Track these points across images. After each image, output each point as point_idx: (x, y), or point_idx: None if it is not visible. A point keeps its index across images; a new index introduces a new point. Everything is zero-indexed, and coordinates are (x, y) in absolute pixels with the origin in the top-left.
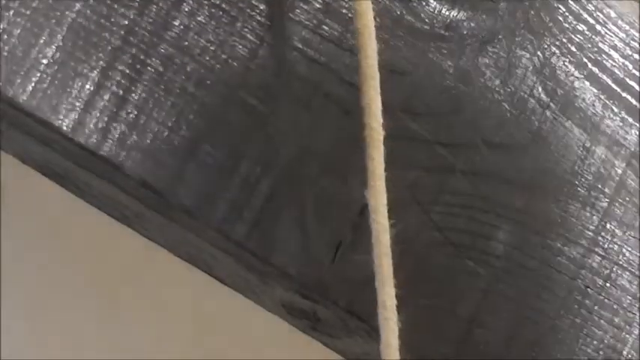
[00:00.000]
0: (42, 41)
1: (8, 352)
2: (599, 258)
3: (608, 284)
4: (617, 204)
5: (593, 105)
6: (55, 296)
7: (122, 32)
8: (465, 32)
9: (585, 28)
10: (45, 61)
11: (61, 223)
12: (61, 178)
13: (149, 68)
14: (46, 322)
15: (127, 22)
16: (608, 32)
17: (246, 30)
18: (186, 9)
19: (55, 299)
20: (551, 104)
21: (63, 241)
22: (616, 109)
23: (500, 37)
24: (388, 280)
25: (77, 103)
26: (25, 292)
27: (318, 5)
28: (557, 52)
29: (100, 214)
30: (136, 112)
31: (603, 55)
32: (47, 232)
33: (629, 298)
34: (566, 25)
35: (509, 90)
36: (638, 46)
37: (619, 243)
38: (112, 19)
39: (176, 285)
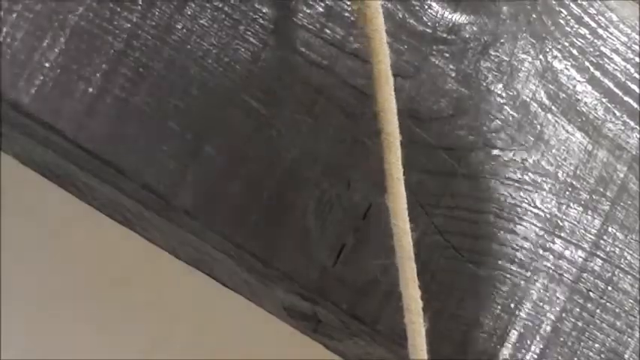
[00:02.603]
0: (45, 44)
1: (8, 352)
2: (601, 261)
3: (610, 288)
4: (618, 207)
5: (595, 109)
6: (55, 297)
7: (125, 36)
8: (467, 36)
9: (587, 31)
10: (48, 65)
11: (61, 225)
12: (62, 179)
13: (152, 72)
14: (46, 323)
15: (129, 26)
16: (609, 36)
17: (249, 33)
18: (189, 12)
19: (55, 300)
20: (553, 108)
21: (63, 242)
22: (618, 113)
23: (502, 40)
24: (412, 283)
25: (79, 107)
26: (25, 292)
27: (320, 9)
28: (559, 55)
29: (100, 215)
30: (138, 116)
31: (605, 59)
32: (47, 234)
33: (631, 301)
34: (568, 29)
35: (511, 94)
36: (639, 49)
37: (621, 246)
38: (115, 23)
39: (177, 287)
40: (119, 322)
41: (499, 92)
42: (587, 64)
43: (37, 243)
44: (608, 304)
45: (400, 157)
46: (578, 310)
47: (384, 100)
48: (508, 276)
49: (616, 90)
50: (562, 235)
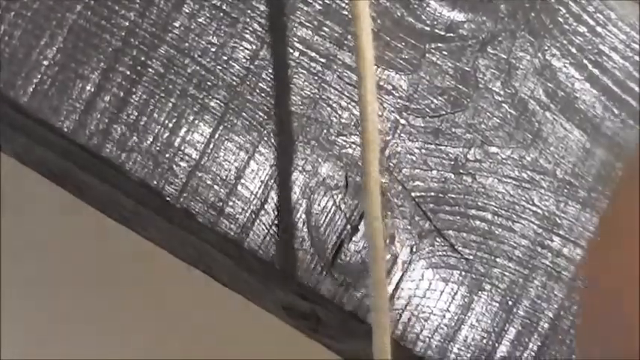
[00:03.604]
0: (43, 43)
1: (8, 352)
2: None
3: None
4: None
5: (594, 107)
6: (55, 297)
7: (123, 34)
8: (465, 33)
9: (586, 29)
10: (46, 63)
11: (61, 225)
12: (61, 179)
13: (150, 70)
14: (46, 323)
15: (127, 24)
16: (608, 34)
17: (247, 31)
18: (187, 10)
19: (55, 300)
20: (552, 106)
21: (63, 242)
22: (616, 111)
23: (500, 38)
24: (382, 283)
25: (78, 105)
26: (25, 292)
27: (318, 7)
28: (557, 53)
29: (100, 215)
30: (136, 114)
31: (604, 57)
32: (47, 234)
33: None
34: (567, 27)
35: (509, 91)
36: (638, 47)
37: None
38: (113, 21)
39: (176, 286)
40: (119, 321)
41: (497, 90)
42: (585, 62)
43: (37, 243)
44: None
45: (378, 156)
46: (576, 307)
47: (365, 98)
48: (506, 274)
49: (614, 88)
50: (560, 232)
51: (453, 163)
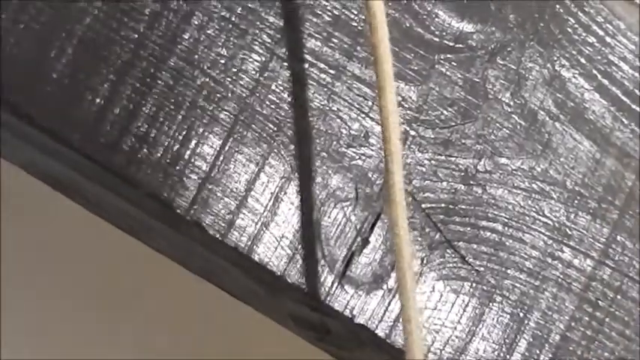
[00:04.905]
0: (52, 55)
1: (8, 352)
2: (610, 270)
3: (618, 296)
4: (627, 216)
5: (603, 117)
6: (55, 296)
7: (132, 46)
8: (474, 44)
9: (595, 39)
10: (55, 75)
11: (61, 224)
12: (68, 189)
13: (159, 82)
14: (46, 323)
15: (136, 36)
16: (617, 44)
17: (256, 43)
18: (196, 22)
19: (55, 299)
20: (561, 116)
21: (63, 242)
22: (626, 121)
23: (509, 49)
24: (411, 293)
25: (87, 117)
26: (25, 292)
27: (327, 18)
28: (566, 64)
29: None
30: (146, 126)
31: (613, 67)
32: (47, 234)
33: None
34: (576, 37)
35: (519, 102)
36: None
37: (629, 255)
38: (122, 33)
39: (175, 287)
40: (119, 322)
41: (507, 101)
42: (595, 72)
43: (37, 243)
44: (617, 312)
45: (402, 166)
46: (587, 318)
47: (386, 108)
48: (517, 285)
49: (624, 98)
50: (571, 243)
51: (463, 174)
